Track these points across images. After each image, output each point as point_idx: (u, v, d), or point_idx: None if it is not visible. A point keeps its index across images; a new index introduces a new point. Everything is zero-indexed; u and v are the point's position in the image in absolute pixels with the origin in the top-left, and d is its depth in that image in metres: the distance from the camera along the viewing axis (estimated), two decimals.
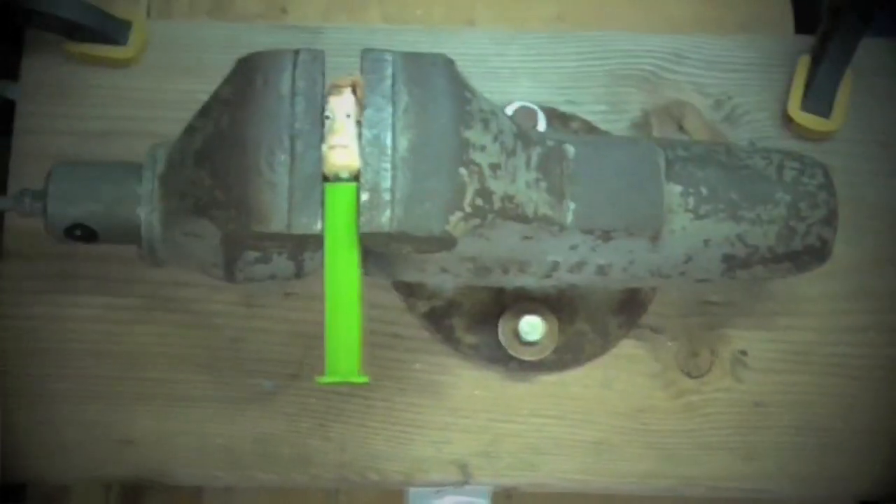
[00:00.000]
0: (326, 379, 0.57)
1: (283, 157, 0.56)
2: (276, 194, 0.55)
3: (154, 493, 0.79)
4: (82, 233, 0.63)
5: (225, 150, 0.57)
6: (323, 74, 0.58)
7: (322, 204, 0.56)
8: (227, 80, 0.59)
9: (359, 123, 0.57)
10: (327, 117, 0.57)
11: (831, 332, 0.74)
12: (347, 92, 0.58)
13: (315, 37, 0.78)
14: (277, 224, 0.55)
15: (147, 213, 0.62)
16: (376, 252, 0.63)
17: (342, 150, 0.56)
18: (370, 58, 0.59)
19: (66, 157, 0.71)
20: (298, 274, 0.63)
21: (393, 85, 0.58)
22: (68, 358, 0.72)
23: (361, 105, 0.57)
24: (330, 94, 0.58)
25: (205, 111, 0.60)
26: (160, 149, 0.63)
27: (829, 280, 0.74)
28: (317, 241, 0.56)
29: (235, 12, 0.84)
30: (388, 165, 0.57)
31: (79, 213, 0.62)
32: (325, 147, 0.56)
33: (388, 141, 0.57)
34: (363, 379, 0.57)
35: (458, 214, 0.57)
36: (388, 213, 0.56)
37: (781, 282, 0.74)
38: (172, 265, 0.64)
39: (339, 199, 0.57)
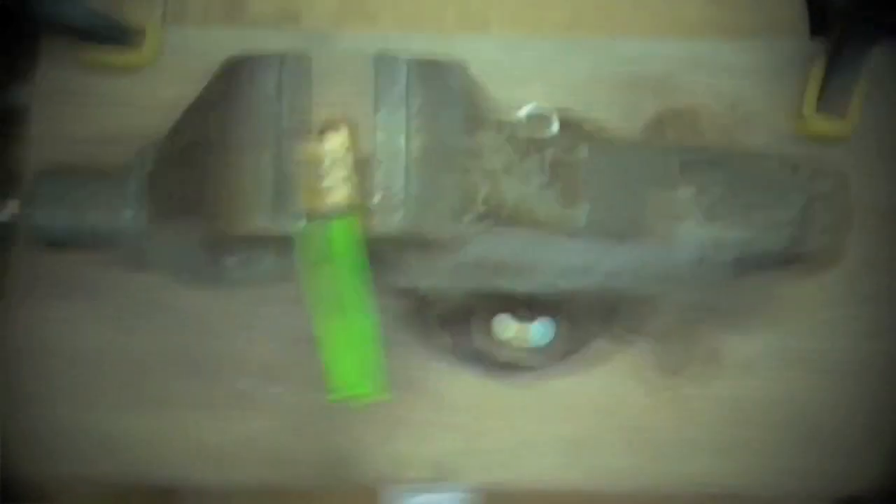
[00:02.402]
0: (348, 392, 0.60)
1: (268, 157, 0.56)
2: (261, 194, 0.56)
3: (141, 495, 0.78)
4: (69, 238, 0.63)
5: (210, 151, 0.58)
6: (310, 77, 0.59)
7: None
8: (213, 82, 0.60)
9: (350, 157, 0.57)
10: (320, 158, 0.57)
11: (813, 331, 0.74)
12: (342, 129, 0.58)
13: (327, 43, 0.78)
14: (262, 223, 0.56)
15: (133, 214, 0.62)
16: (379, 255, 0.63)
17: (340, 188, 0.57)
18: (383, 62, 0.59)
19: (78, 163, 0.72)
20: (285, 276, 0.63)
21: (406, 88, 0.58)
22: (57, 360, 0.72)
23: (354, 141, 0.58)
24: (323, 131, 0.58)
25: (191, 111, 0.60)
26: (147, 151, 0.63)
27: (823, 280, 0.74)
28: (292, 241, 0.57)
29: (249, 18, 0.84)
30: (401, 168, 0.57)
31: (64, 218, 0.62)
32: (323, 185, 0.57)
33: (401, 143, 0.57)
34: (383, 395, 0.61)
35: (470, 216, 0.57)
36: (400, 213, 0.56)
37: (776, 283, 0.74)
38: (158, 268, 0.64)
39: (341, 233, 0.58)
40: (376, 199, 0.56)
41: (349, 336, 0.62)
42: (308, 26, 0.84)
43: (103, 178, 0.63)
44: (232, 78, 0.59)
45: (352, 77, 0.77)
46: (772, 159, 0.66)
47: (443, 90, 0.59)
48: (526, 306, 0.71)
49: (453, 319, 0.72)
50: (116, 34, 0.75)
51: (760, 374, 0.73)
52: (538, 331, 0.72)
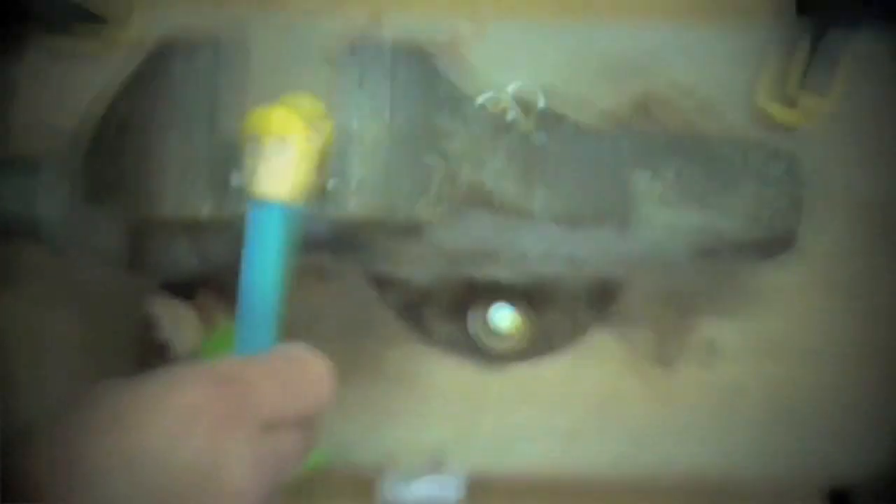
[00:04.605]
0: None
1: (175, 142, 0.57)
2: (168, 178, 0.56)
3: None
4: None
5: (121, 135, 0.58)
6: (246, 60, 0.59)
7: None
8: (145, 63, 0.60)
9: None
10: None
11: (801, 320, 0.75)
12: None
13: (297, 26, 0.78)
14: (168, 208, 0.56)
15: (47, 203, 0.62)
16: (347, 240, 0.63)
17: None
18: (344, 45, 0.60)
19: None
20: (203, 264, 0.64)
21: (365, 71, 0.59)
22: (36, 347, 0.72)
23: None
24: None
25: (121, 94, 0.60)
26: (63, 138, 0.63)
27: (798, 268, 0.75)
28: (211, 227, 0.57)
29: (219, 3, 0.83)
30: (357, 152, 0.57)
31: None
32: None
33: (357, 128, 0.58)
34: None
35: (426, 200, 0.58)
36: (355, 198, 0.57)
37: (751, 270, 0.74)
38: (76, 257, 0.64)
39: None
40: (331, 183, 0.57)
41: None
42: (282, 9, 0.83)
43: (25, 166, 0.63)
44: (144, 63, 0.59)
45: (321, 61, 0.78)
46: (726, 145, 0.67)
47: (401, 73, 0.59)
48: (522, 298, 0.72)
49: (451, 311, 0.73)
50: (84, 21, 0.75)
51: (747, 363, 0.74)
52: (528, 320, 0.72)
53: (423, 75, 0.60)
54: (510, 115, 0.74)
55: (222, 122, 0.57)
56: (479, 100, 0.74)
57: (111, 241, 0.61)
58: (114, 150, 0.58)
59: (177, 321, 0.71)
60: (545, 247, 0.65)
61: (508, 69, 0.79)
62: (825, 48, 0.76)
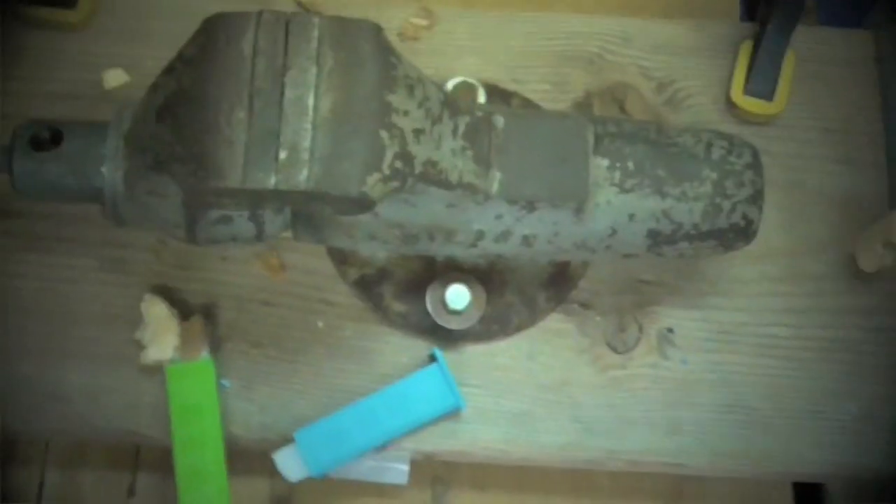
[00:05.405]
0: None
1: (241, 115, 0.57)
2: (232, 151, 0.56)
3: (91, 451, 0.79)
4: (47, 192, 0.63)
5: (185, 107, 0.58)
6: (286, 35, 0.59)
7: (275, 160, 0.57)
8: (192, 40, 0.60)
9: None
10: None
11: (762, 314, 0.74)
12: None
13: (262, 5, 0.78)
14: (233, 179, 0.56)
15: (111, 171, 0.63)
16: (305, 215, 0.64)
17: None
18: (297, 20, 0.60)
19: (11, 119, 0.72)
20: (259, 236, 0.64)
21: (318, 47, 0.59)
22: (26, 316, 0.73)
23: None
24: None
25: (169, 69, 0.61)
26: (127, 108, 0.64)
27: (762, 262, 0.75)
28: (273, 199, 0.57)
29: None
30: (309, 125, 0.57)
31: (44, 170, 0.63)
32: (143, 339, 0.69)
33: (310, 101, 0.58)
34: None
35: (377, 176, 0.58)
36: (305, 171, 0.57)
37: (714, 263, 0.74)
38: (135, 225, 0.65)
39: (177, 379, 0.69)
40: (282, 156, 0.57)
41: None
42: None
43: (83, 132, 0.63)
44: (210, 35, 0.59)
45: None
46: (687, 135, 0.67)
47: (356, 51, 0.59)
48: (479, 278, 0.72)
49: (409, 289, 0.73)
50: None
51: (706, 355, 0.74)
52: (484, 302, 0.72)
53: (376, 53, 0.60)
54: (480, 99, 0.75)
55: (276, 94, 0.57)
56: (449, 85, 0.74)
57: (171, 210, 0.62)
58: (168, 124, 0.59)
59: (157, 324, 0.71)
60: (502, 228, 0.65)
61: (467, 56, 0.79)
62: (767, 52, 0.76)
